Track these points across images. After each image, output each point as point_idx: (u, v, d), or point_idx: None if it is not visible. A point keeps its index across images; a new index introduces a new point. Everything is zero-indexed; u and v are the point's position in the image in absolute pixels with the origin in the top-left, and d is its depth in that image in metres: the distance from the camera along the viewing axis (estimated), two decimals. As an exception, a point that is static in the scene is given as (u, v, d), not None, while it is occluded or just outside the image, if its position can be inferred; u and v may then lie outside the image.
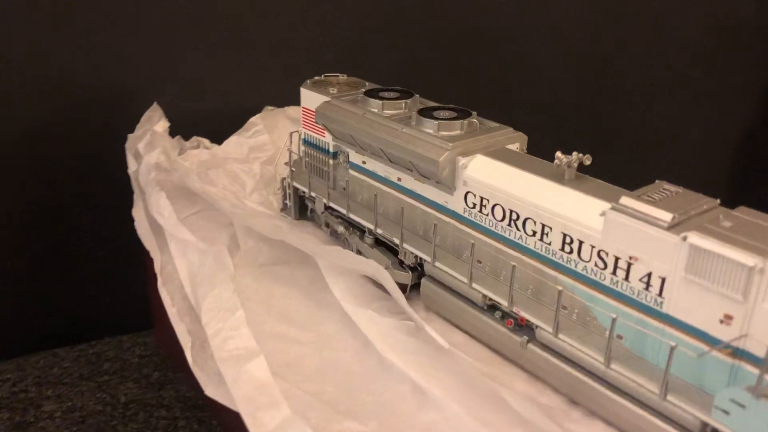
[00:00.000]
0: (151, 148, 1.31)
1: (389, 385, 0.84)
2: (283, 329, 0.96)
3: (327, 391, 0.84)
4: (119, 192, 1.41)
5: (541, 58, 1.87)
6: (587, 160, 0.83)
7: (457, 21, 1.79)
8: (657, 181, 0.79)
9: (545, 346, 0.84)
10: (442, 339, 0.81)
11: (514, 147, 0.97)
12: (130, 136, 1.41)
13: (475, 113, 0.98)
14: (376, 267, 0.92)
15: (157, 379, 1.58)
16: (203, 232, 1.17)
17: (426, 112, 0.98)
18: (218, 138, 1.53)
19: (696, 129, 2.07)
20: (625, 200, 0.75)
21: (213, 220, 1.24)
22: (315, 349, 0.92)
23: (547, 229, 0.82)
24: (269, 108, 1.58)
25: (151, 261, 1.20)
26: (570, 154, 0.84)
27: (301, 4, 1.68)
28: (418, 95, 1.07)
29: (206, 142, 1.52)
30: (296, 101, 1.62)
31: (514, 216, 0.86)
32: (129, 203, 1.35)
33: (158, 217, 1.19)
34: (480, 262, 0.91)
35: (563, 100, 1.90)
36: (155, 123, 1.45)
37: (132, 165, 1.38)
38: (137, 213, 1.27)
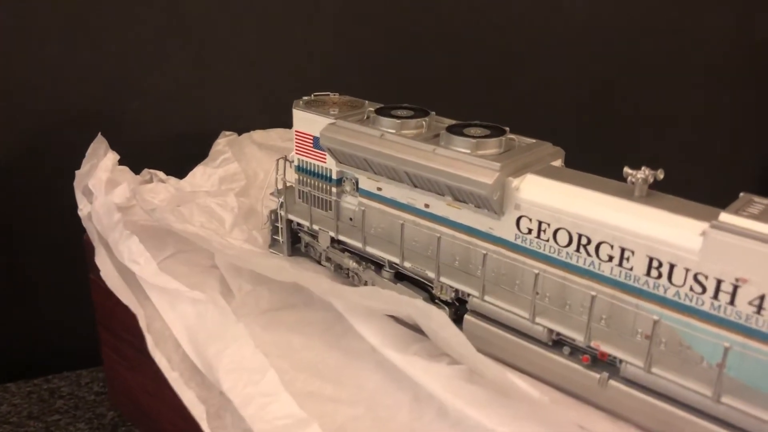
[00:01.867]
0: (113, 185, 1.14)
1: (470, 444, 0.74)
2: (317, 387, 0.83)
3: (398, 459, 0.73)
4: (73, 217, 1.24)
5: (539, 67, 1.80)
6: (660, 174, 0.76)
7: (433, 30, 1.71)
8: (742, 194, 0.73)
9: (630, 381, 0.76)
10: (534, 390, 0.71)
11: (557, 163, 0.89)
12: (77, 172, 1.23)
13: (508, 129, 0.90)
14: (422, 306, 0.81)
15: (111, 419, 1.45)
16: (186, 278, 1.03)
17: (456, 130, 0.89)
18: (172, 170, 1.38)
19: (720, 141, 2.02)
20: (726, 217, 0.68)
21: (192, 264, 1.10)
22: (365, 409, 0.80)
23: (627, 253, 0.75)
24: (227, 133, 1.44)
25: (101, 299, 1.03)
26: (639, 168, 0.77)
27: (258, 18, 1.55)
28: (434, 113, 0.98)
29: (161, 174, 1.35)
30: (254, 123, 1.50)
31: (584, 240, 0.78)
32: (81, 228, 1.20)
33: (132, 266, 1.03)
34: (537, 294, 0.83)
35: (562, 110, 1.83)
36: (102, 156, 1.28)
37: (83, 205, 1.20)
38: (102, 262, 1.10)
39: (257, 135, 1.38)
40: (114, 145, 1.30)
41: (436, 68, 1.72)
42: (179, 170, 1.37)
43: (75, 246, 1.28)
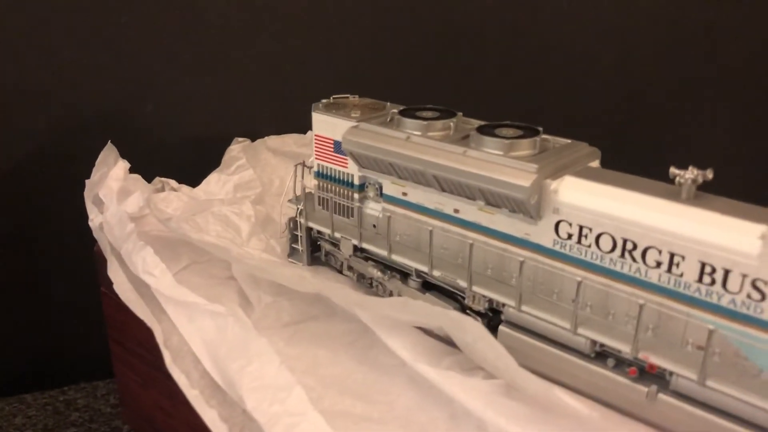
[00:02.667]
0: (125, 194, 1.10)
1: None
2: (347, 405, 0.79)
3: (436, 481, 0.68)
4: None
5: (568, 68, 1.75)
6: (710, 174, 0.71)
7: (455, 31, 1.66)
8: (797, 193, 0.69)
9: (681, 395, 0.71)
10: (581, 405, 0.67)
11: (595, 164, 0.84)
12: (87, 182, 1.19)
13: (541, 129, 0.85)
14: (456, 317, 0.77)
15: (126, 433, 1.39)
16: (203, 290, 0.98)
17: (487, 131, 0.85)
18: (184, 177, 1.34)
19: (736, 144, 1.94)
20: (786, 219, 0.64)
21: (208, 275, 1.06)
22: (398, 427, 0.75)
23: (677, 259, 0.70)
24: (240, 139, 1.40)
25: (113, 312, 0.99)
26: (686, 168, 0.72)
27: (273, 22, 1.51)
28: (461, 113, 0.93)
29: (173, 183, 1.31)
30: (267, 129, 1.46)
31: (630, 246, 0.73)
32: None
33: (147, 278, 0.99)
34: (579, 303, 0.78)
35: (593, 112, 1.78)
36: (112, 164, 1.24)
37: (94, 215, 1.15)
38: (114, 273, 1.05)
39: (272, 141, 1.34)
40: (126, 152, 1.27)
41: (460, 70, 1.67)
42: (192, 177, 1.34)
43: (90, 256, 1.24)
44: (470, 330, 0.75)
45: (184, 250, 1.09)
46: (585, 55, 1.73)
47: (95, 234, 1.16)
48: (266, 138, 1.35)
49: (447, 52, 1.66)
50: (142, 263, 1.00)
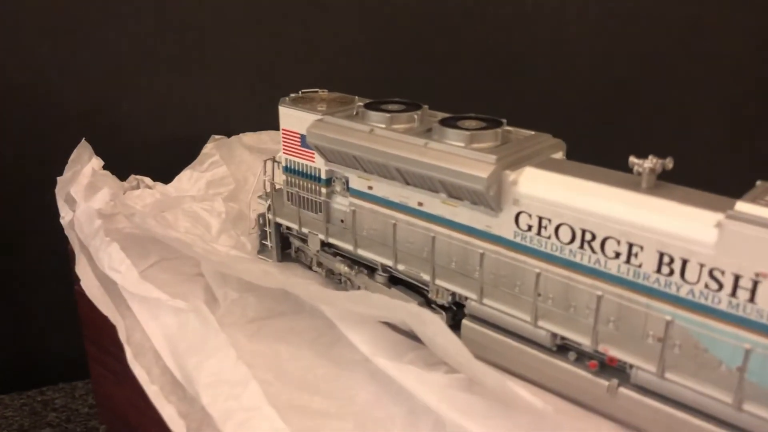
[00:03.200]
0: (93, 190, 1.09)
1: (468, 460, 0.67)
2: (305, 400, 0.77)
3: (390, 478, 0.67)
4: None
5: (550, 63, 1.73)
6: (670, 164, 0.70)
7: (436, 27, 1.65)
8: (759, 182, 0.67)
9: (642, 389, 0.70)
10: (536, 398, 0.65)
11: (558, 156, 0.83)
12: (59, 179, 1.18)
13: (505, 121, 0.84)
14: (415, 311, 0.75)
15: (102, 433, 1.38)
16: (169, 287, 0.97)
17: (449, 123, 0.83)
18: (160, 175, 1.33)
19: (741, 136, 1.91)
20: (743, 206, 0.62)
21: (177, 272, 1.04)
22: (355, 424, 0.74)
23: (636, 249, 0.69)
24: (217, 137, 1.39)
25: (87, 313, 0.98)
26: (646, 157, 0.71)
27: (252, 19, 1.50)
28: (426, 106, 0.92)
29: (148, 180, 1.30)
30: (245, 127, 1.45)
31: (589, 236, 0.72)
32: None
33: (113, 274, 0.98)
34: (539, 295, 0.77)
35: (575, 108, 1.76)
36: (86, 162, 1.23)
37: (65, 212, 1.15)
38: (82, 270, 1.04)
39: (247, 138, 1.33)
40: (103, 150, 1.26)
41: (441, 68, 1.66)
42: (169, 176, 1.33)
43: (67, 255, 1.23)
44: (429, 323, 0.74)
45: (154, 248, 1.07)
46: (569, 51, 1.71)
47: (66, 231, 1.15)
48: (241, 135, 1.34)
49: (427, 48, 1.65)
50: (109, 259, 0.99)
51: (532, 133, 0.85)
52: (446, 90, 1.61)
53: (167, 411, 0.81)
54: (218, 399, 0.75)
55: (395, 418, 0.74)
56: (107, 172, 1.17)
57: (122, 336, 0.92)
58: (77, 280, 1.05)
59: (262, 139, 1.35)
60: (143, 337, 0.91)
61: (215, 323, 0.88)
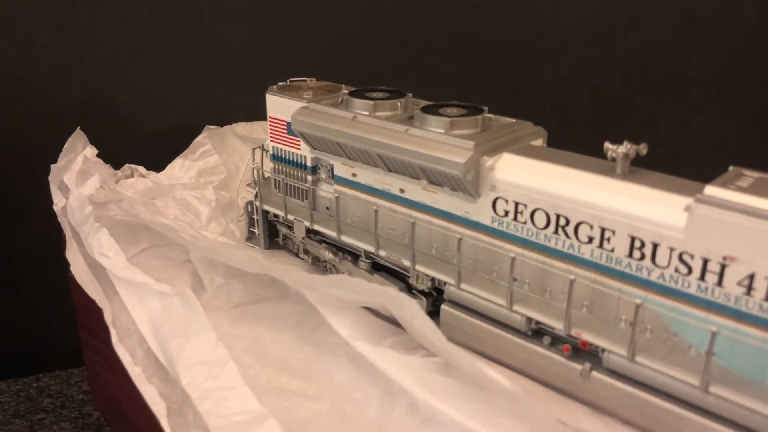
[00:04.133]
0: (84, 177, 1.10)
1: (439, 440, 0.68)
2: (283, 382, 0.78)
3: (361, 456, 0.68)
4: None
5: (549, 59, 1.73)
6: (644, 150, 0.71)
7: (435, 19, 1.65)
8: (732, 168, 0.68)
9: (614, 373, 0.70)
10: (503, 378, 0.66)
11: (538, 143, 0.84)
12: (53, 166, 1.19)
13: (486, 108, 0.85)
14: (393, 294, 0.76)
15: (96, 419, 1.43)
16: (157, 272, 0.98)
17: (431, 110, 0.84)
18: (154, 165, 1.34)
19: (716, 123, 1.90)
20: (712, 190, 0.63)
21: (166, 258, 1.05)
22: (331, 404, 0.75)
23: (608, 234, 0.69)
24: (211, 127, 1.40)
25: (81, 300, 0.99)
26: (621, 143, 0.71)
27: (249, 10, 1.51)
28: (410, 94, 0.93)
29: (142, 169, 1.32)
30: (238, 118, 1.46)
31: (563, 221, 0.72)
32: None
33: (102, 259, 0.99)
34: (516, 280, 0.77)
35: (573, 102, 1.76)
36: (80, 150, 1.25)
37: (58, 199, 1.16)
38: (72, 255, 1.06)
39: (240, 128, 1.34)
40: (100, 140, 1.27)
41: (439, 58, 1.66)
42: (164, 165, 1.34)
43: (62, 242, 1.25)
44: (406, 307, 0.75)
45: (145, 234, 1.09)
46: (569, 46, 1.72)
47: (59, 218, 1.16)
48: (234, 125, 1.35)
49: (427, 39, 1.65)
50: (98, 245, 1.01)
51: (513, 120, 0.85)
52: (446, 82, 1.62)
53: (149, 392, 0.82)
54: (197, 379, 0.76)
55: (371, 399, 0.75)
56: (99, 160, 1.19)
57: (108, 319, 0.93)
58: (68, 265, 1.06)
59: (255, 129, 1.36)
60: (129, 321, 0.92)
61: (199, 307, 0.89)
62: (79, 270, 1.03)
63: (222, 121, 1.45)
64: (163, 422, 0.78)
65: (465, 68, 1.69)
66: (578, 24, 1.71)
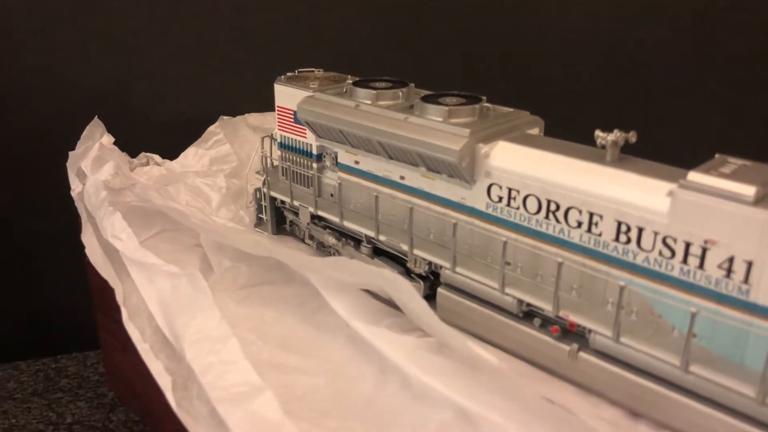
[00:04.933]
0: (100, 163, 1.14)
1: (427, 413, 0.71)
2: (283, 358, 0.82)
3: (352, 427, 0.70)
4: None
5: (559, 54, 1.74)
6: (633, 137, 0.73)
7: (447, 14, 1.67)
8: (717, 155, 0.69)
9: (600, 353, 0.72)
10: (491, 356, 0.68)
11: (534, 131, 0.86)
12: (71, 153, 1.24)
13: (485, 98, 0.87)
14: (389, 276, 0.79)
15: (110, 399, 1.47)
16: (168, 255, 1.02)
17: (431, 99, 0.87)
18: (169, 154, 1.38)
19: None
20: (695, 176, 0.65)
21: (176, 242, 1.09)
22: (328, 380, 0.78)
23: (596, 218, 0.72)
24: (225, 118, 1.44)
25: (97, 282, 1.03)
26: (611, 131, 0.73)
27: (261, 5, 1.55)
28: (413, 84, 0.95)
29: (157, 158, 1.36)
30: (251, 108, 1.50)
31: (553, 206, 0.75)
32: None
33: (115, 242, 1.03)
34: (509, 264, 0.80)
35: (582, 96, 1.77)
36: (98, 138, 1.29)
37: (75, 185, 1.20)
38: (87, 238, 1.10)
39: (252, 118, 1.37)
40: (117, 129, 1.31)
41: (450, 51, 1.68)
42: (179, 154, 1.37)
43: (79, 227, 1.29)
44: (402, 288, 0.78)
45: (157, 219, 1.12)
46: (578, 42, 1.73)
47: (76, 203, 1.20)
48: (246, 115, 1.39)
49: (441, 34, 1.67)
50: (111, 228, 1.05)
51: (511, 109, 0.88)
52: (455, 74, 1.64)
53: (155, 367, 0.85)
54: (200, 354, 0.80)
55: (366, 375, 0.78)
56: (114, 147, 1.23)
57: (119, 298, 0.97)
58: (83, 247, 1.10)
59: (267, 119, 1.40)
60: (139, 300, 0.96)
61: (205, 287, 0.92)
62: (93, 252, 1.07)
63: (236, 112, 1.48)
64: (168, 395, 0.82)
65: (474, 61, 1.71)
66: (586, 18, 1.72)
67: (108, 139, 1.28)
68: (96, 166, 1.15)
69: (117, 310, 1.15)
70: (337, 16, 1.61)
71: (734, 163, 0.68)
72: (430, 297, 0.88)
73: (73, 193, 1.21)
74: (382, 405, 0.74)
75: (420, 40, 1.67)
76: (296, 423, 0.69)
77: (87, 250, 1.08)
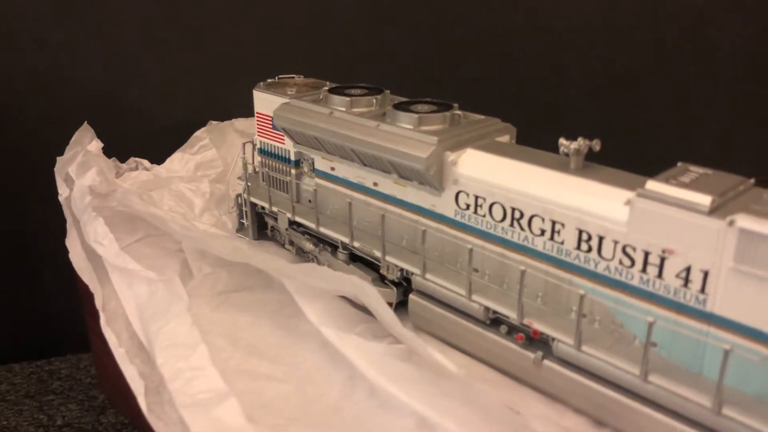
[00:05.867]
0: (85, 169, 1.16)
1: (389, 421, 0.71)
2: (253, 365, 0.82)
3: (315, 435, 0.71)
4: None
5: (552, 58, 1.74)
6: (597, 146, 0.73)
7: (437, 18, 1.67)
8: (680, 164, 0.69)
9: (564, 362, 0.72)
10: (449, 362, 0.69)
11: (504, 140, 0.86)
12: (59, 158, 1.25)
13: (456, 105, 0.88)
14: (357, 283, 0.80)
15: (101, 402, 1.48)
16: (149, 260, 1.03)
17: (402, 107, 0.87)
18: (162, 159, 1.39)
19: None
20: (653, 185, 0.65)
21: (159, 247, 1.10)
22: (295, 386, 0.78)
23: (558, 226, 0.72)
24: (214, 123, 1.45)
25: (85, 287, 1.04)
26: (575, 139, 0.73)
27: (253, 7, 1.56)
28: (388, 91, 0.96)
29: (146, 162, 1.37)
30: (243, 113, 1.51)
31: (517, 214, 0.75)
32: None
33: (97, 247, 1.04)
34: (477, 270, 0.80)
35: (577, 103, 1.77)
36: (87, 144, 1.30)
37: (63, 190, 1.22)
38: (71, 243, 1.11)
39: (239, 123, 1.38)
40: (111, 133, 1.32)
41: (442, 57, 1.69)
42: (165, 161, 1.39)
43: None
44: (369, 294, 0.78)
45: (142, 224, 1.13)
46: (570, 44, 1.72)
47: (63, 208, 1.22)
48: (234, 120, 1.39)
49: (435, 43, 1.67)
50: (94, 233, 1.06)
51: (482, 117, 0.88)
52: (450, 83, 1.64)
53: (130, 371, 0.86)
54: (170, 360, 0.80)
55: (334, 382, 0.79)
56: (100, 153, 1.24)
57: (98, 303, 0.98)
58: (62, 251, 1.12)
59: (254, 124, 1.40)
60: (117, 305, 0.97)
61: (182, 293, 0.93)
62: (76, 257, 1.08)
63: (227, 117, 1.49)
64: (141, 400, 0.82)
65: (466, 69, 1.71)
66: (581, 22, 1.71)
67: (96, 145, 1.29)
68: (80, 171, 1.16)
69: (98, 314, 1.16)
70: (329, 22, 1.62)
71: (695, 171, 0.68)
72: (403, 303, 0.89)
73: (61, 198, 1.22)
74: (347, 412, 0.75)
75: (412, 45, 1.67)
76: (259, 430, 0.70)
77: (70, 255, 1.09)
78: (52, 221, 1.51)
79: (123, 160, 1.38)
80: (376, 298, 0.77)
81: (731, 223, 0.59)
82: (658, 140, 1.75)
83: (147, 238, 1.12)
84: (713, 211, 0.61)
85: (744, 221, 0.58)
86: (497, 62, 1.72)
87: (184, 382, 0.76)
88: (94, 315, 1.27)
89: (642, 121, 1.79)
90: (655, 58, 1.76)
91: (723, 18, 1.72)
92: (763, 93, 1.78)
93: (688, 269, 0.63)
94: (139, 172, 1.33)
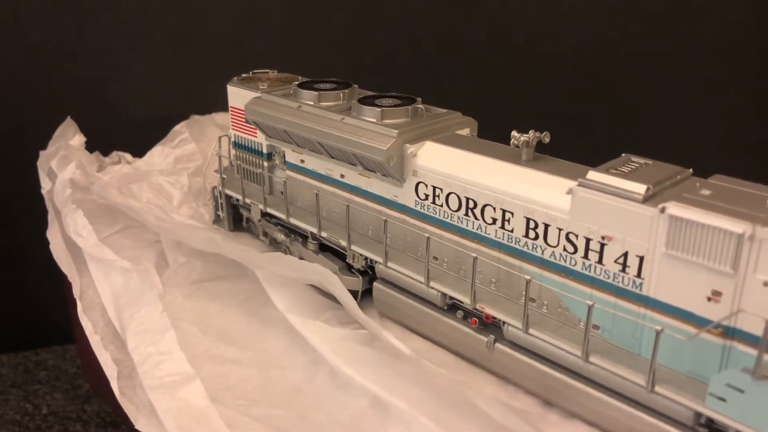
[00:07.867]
0: (65, 162, 1.19)
1: (346, 401, 0.75)
2: (221, 350, 0.85)
3: (276, 414, 0.74)
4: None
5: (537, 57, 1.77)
6: (546, 138, 0.76)
7: (426, 18, 1.70)
8: (623, 155, 0.73)
9: (515, 345, 0.76)
10: (403, 345, 0.72)
11: (464, 133, 0.89)
12: (42, 152, 1.28)
13: (419, 99, 0.91)
14: (321, 271, 0.83)
15: (86, 391, 1.52)
16: (128, 251, 1.06)
17: (367, 101, 0.90)
18: (143, 153, 1.42)
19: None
20: (593, 175, 0.68)
21: (138, 238, 1.13)
22: (259, 370, 0.81)
23: (508, 215, 0.75)
24: (196, 116, 1.48)
25: (68, 280, 1.08)
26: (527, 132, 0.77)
27: (228, 4, 1.59)
28: (356, 86, 0.99)
29: (128, 156, 1.40)
30: (224, 108, 1.53)
31: (471, 204, 0.78)
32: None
33: (76, 238, 1.07)
34: (436, 259, 0.83)
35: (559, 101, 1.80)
36: (70, 138, 1.33)
37: (45, 183, 1.25)
38: (52, 234, 1.14)
39: (219, 117, 1.41)
40: (94, 128, 1.35)
41: (425, 56, 1.71)
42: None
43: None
44: (331, 280, 0.81)
45: (121, 217, 1.16)
46: (549, 41, 1.75)
47: (46, 201, 1.25)
48: (214, 114, 1.42)
49: (420, 43, 1.70)
50: (74, 225, 1.09)
51: (444, 110, 0.91)
52: (438, 83, 1.66)
53: (104, 357, 0.90)
54: (141, 345, 0.84)
55: (297, 366, 0.82)
56: (81, 147, 1.27)
57: (76, 292, 1.01)
58: (48, 243, 1.15)
59: (234, 119, 1.43)
60: (95, 294, 1.00)
61: (156, 281, 0.96)
62: (56, 248, 1.11)
63: (210, 111, 1.52)
64: (113, 384, 0.86)
65: (454, 67, 1.73)
66: (564, 17, 1.74)
67: (79, 139, 1.32)
68: (62, 165, 1.19)
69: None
70: (313, 18, 1.64)
71: (636, 162, 0.71)
72: (369, 291, 0.92)
73: (44, 191, 1.25)
74: (308, 393, 0.78)
75: (394, 41, 1.70)
76: (221, 410, 0.73)
77: (51, 246, 1.12)
78: (38, 213, 1.54)
79: (106, 154, 1.41)
80: (338, 285, 0.81)
81: (662, 210, 0.62)
82: (645, 129, 1.77)
83: (126, 230, 1.15)
84: (647, 199, 0.64)
85: (674, 208, 0.61)
86: (478, 58, 1.74)
87: (152, 366, 0.80)
88: (75, 304, 1.31)
89: (630, 114, 1.81)
90: (634, 53, 1.78)
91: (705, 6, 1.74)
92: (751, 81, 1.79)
93: (625, 255, 0.66)
94: (121, 166, 1.36)
